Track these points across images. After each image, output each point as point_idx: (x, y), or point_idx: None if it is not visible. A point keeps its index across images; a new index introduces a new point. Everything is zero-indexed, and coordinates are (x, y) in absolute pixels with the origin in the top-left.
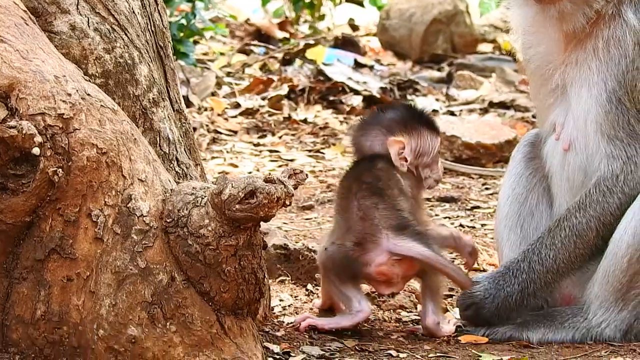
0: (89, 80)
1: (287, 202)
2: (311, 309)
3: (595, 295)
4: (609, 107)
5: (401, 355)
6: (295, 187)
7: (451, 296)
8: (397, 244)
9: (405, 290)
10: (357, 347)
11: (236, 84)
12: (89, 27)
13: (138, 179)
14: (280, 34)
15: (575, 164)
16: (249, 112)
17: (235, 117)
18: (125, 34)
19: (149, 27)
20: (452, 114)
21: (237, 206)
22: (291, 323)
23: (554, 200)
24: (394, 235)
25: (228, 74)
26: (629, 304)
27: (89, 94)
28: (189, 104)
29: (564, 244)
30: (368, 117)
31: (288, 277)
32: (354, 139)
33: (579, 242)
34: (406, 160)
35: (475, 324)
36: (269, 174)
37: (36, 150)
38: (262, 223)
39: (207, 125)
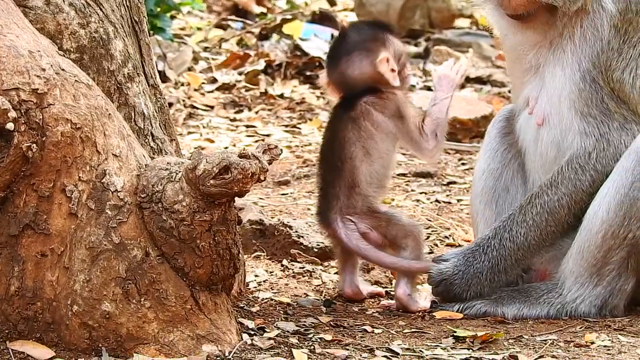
0: (64, 55)
1: (262, 178)
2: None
3: (570, 271)
4: (583, 86)
5: (376, 330)
6: (270, 163)
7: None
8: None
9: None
10: (331, 323)
11: (213, 59)
12: (63, 2)
13: (112, 154)
14: (257, 9)
15: (548, 139)
16: (225, 87)
17: (211, 92)
18: (100, 9)
19: (124, 2)
20: (429, 89)
21: (211, 181)
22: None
23: (528, 176)
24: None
25: (205, 49)
26: (603, 279)
27: (63, 69)
28: (165, 79)
29: (535, 221)
30: (339, 48)
31: (263, 252)
32: (339, 74)
33: (550, 219)
34: (394, 71)
35: (447, 300)
36: (244, 149)
37: (10, 126)
38: (237, 198)
39: (183, 101)
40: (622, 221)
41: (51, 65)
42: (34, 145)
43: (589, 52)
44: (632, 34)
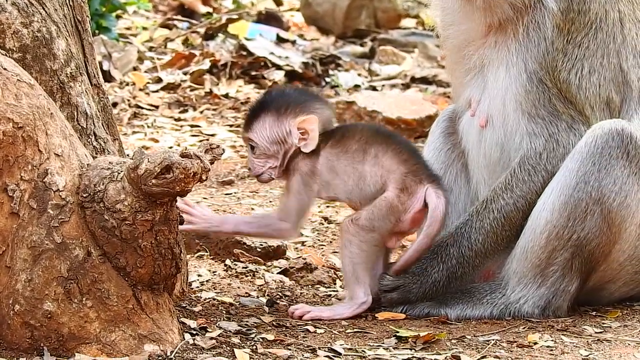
0: (6, 55)
1: (204, 177)
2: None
3: (514, 271)
4: (530, 87)
5: (318, 330)
6: (212, 162)
7: None
8: None
9: (324, 266)
10: (274, 323)
11: (158, 59)
12: (6, 1)
13: (54, 154)
14: (203, 9)
15: (492, 140)
16: (170, 87)
17: (156, 91)
18: (43, 8)
19: (67, 1)
20: (374, 89)
21: (153, 181)
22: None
23: (472, 176)
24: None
25: (150, 49)
26: (547, 280)
27: (5, 68)
28: (110, 78)
29: (492, 227)
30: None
31: (206, 252)
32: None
33: (506, 224)
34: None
35: (397, 305)
36: (186, 148)
37: None
38: (178, 198)
39: (128, 100)
40: (566, 222)
41: None
42: None
43: (535, 51)
44: (576, 34)
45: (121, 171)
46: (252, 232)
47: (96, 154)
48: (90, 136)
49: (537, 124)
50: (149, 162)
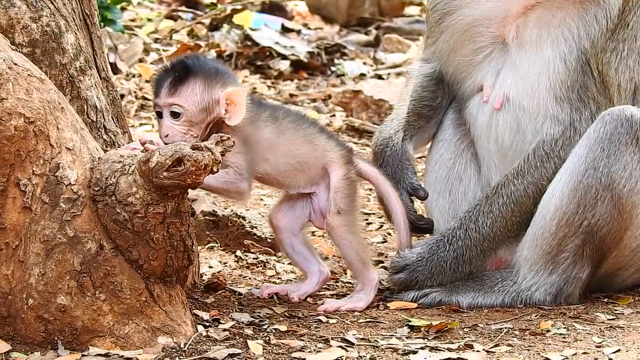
0: (16, 50)
1: (215, 169)
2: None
3: (525, 258)
4: (573, 67)
5: (331, 321)
6: (223, 154)
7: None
8: None
9: (334, 256)
10: (286, 314)
11: (164, 50)
12: None
13: (66, 148)
14: (207, 0)
15: (505, 123)
16: None
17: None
18: (52, 3)
19: None
20: (379, 77)
21: (164, 174)
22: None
23: (482, 164)
24: None
25: (156, 40)
26: (558, 267)
27: (15, 64)
28: (116, 70)
29: (501, 211)
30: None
31: (217, 243)
32: None
33: (516, 209)
34: None
35: (406, 288)
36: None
37: None
38: (190, 190)
39: (135, 92)
40: (576, 208)
41: (4, 60)
42: None
43: (594, 29)
44: (627, 13)
45: (132, 164)
46: (216, 185)
47: (106, 147)
48: (100, 129)
49: (563, 109)
50: (160, 155)
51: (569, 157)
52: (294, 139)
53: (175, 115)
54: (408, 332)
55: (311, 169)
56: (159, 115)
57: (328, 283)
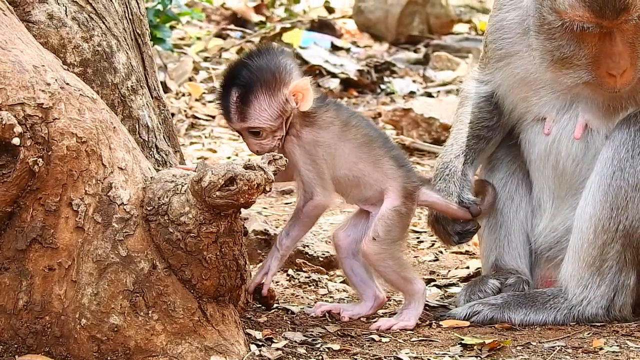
0: (68, 70)
1: (267, 189)
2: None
3: (571, 275)
4: None
5: (383, 339)
6: (275, 173)
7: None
8: None
9: None
10: (339, 332)
11: (213, 69)
12: (66, 16)
13: (118, 167)
14: (256, 18)
15: (568, 152)
16: None
17: (213, 102)
18: (103, 22)
19: (127, 14)
20: (429, 95)
21: (217, 193)
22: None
23: (534, 185)
24: None
25: (205, 59)
26: (605, 277)
27: (67, 83)
28: (166, 89)
29: None
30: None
31: None
32: None
33: None
34: None
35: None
36: (249, 160)
37: (16, 141)
38: (242, 209)
39: (185, 111)
40: (609, 213)
41: (56, 80)
42: (40, 159)
43: None
44: None
45: (185, 184)
46: (303, 228)
47: (158, 166)
48: (152, 149)
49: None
50: (212, 174)
51: (597, 162)
52: (357, 152)
53: (255, 134)
54: (461, 351)
55: (367, 188)
56: (239, 133)
57: None
